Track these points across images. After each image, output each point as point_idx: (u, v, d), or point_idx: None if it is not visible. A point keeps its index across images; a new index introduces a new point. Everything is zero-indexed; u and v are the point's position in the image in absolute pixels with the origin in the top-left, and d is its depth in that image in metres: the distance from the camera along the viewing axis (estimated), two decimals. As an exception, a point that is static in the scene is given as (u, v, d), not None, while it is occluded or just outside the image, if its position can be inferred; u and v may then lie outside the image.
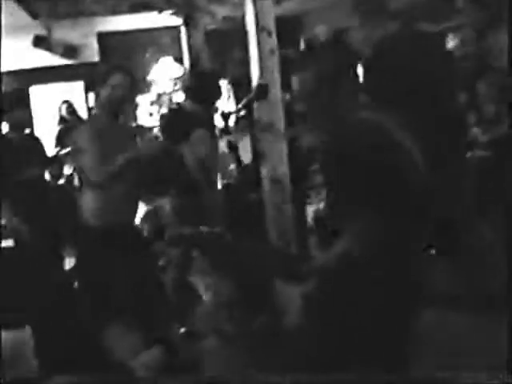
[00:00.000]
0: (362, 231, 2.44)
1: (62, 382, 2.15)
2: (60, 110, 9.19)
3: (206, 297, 5.65)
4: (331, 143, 2.64)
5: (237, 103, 11.65)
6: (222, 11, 8.83)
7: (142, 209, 6.89)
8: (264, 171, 4.72)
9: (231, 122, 11.33)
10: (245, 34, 5.90)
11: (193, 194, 6.06)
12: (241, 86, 11.42)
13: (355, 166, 2.46)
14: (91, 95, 10.89)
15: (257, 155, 4.89)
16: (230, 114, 11.51)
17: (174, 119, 6.33)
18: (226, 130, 10.70)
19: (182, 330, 5.92)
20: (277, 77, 4.71)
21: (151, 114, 10.57)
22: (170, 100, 10.61)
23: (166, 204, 6.91)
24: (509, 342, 2.61)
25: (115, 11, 7.37)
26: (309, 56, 2.82)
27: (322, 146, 2.75)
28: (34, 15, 6.92)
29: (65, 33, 9.29)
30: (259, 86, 3.93)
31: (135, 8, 7.28)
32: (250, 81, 6.52)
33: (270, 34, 4.78)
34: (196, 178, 5.95)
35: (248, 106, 3.59)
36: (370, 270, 2.47)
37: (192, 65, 7.23)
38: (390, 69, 4.13)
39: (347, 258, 2.49)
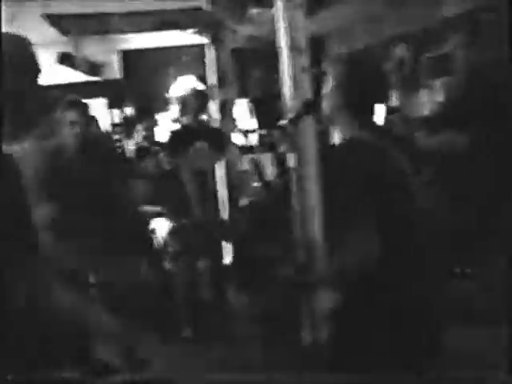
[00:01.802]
0: (357, 244, 2.48)
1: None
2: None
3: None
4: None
5: (258, 122, 11.72)
6: (245, 30, 8.90)
7: (165, 226, 6.92)
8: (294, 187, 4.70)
9: (253, 140, 11.40)
10: (269, 52, 5.92)
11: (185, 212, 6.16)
12: (262, 105, 11.50)
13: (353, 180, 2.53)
14: (115, 112, 11.02)
15: (287, 172, 4.89)
16: (251, 131, 11.58)
17: (175, 135, 6.51)
18: (247, 148, 10.75)
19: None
20: (308, 95, 4.70)
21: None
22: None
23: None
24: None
25: (142, 29, 7.42)
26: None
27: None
28: (64, 32, 6.98)
29: (89, 50, 9.37)
30: (306, 101, 3.93)
31: (162, 25, 7.32)
32: (273, 99, 6.51)
33: (301, 52, 4.79)
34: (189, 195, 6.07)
35: (293, 123, 3.60)
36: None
37: (220, 82, 7.26)
38: None
39: (344, 272, 2.54)
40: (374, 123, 2.84)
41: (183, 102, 6.29)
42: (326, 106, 2.85)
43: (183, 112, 6.30)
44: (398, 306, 2.57)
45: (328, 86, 2.81)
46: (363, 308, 2.62)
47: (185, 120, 6.39)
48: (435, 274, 2.74)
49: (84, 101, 4.71)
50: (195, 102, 6.24)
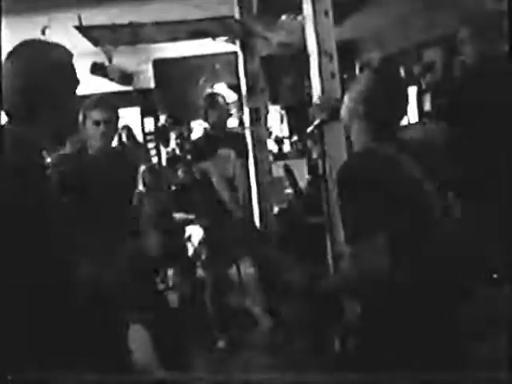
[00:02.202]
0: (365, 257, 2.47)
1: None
2: (120, 135, 9.35)
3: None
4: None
5: (290, 128, 11.73)
6: (276, 37, 8.91)
7: (198, 233, 6.94)
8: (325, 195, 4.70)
9: (286, 146, 11.41)
10: (299, 59, 5.94)
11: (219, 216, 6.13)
12: (294, 112, 11.51)
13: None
14: (147, 120, 11.12)
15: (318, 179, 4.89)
16: (283, 138, 11.60)
17: (201, 141, 6.50)
18: (280, 155, 10.75)
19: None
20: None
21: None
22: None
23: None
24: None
25: (173, 38, 7.47)
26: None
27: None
28: (95, 42, 7.04)
29: (122, 60, 9.45)
30: (333, 106, 3.92)
31: (193, 34, 7.36)
32: (303, 106, 6.52)
33: (331, 57, 4.80)
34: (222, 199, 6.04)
35: (319, 128, 3.57)
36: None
37: (248, 90, 7.28)
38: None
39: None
40: (392, 135, 2.80)
41: (205, 111, 6.26)
42: (344, 113, 2.84)
43: (209, 120, 6.28)
44: (420, 316, 2.55)
45: (350, 92, 2.80)
46: (385, 318, 2.60)
47: (209, 127, 6.39)
48: (458, 283, 2.72)
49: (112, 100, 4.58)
50: (217, 111, 6.20)
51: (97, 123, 4.13)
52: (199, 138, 6.88)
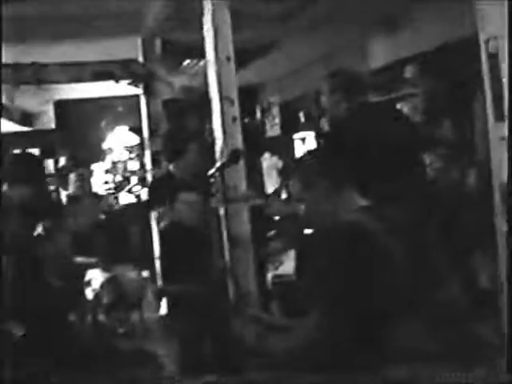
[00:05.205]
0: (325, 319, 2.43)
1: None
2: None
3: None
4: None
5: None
6: (179, 81, 9.00)
7: (99, 277, 6.87)
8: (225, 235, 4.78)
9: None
10: (201, 102, 6.02)
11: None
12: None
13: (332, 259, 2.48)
14: (47, 162, 10.91)
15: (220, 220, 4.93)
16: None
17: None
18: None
19: None
20: (239, 144, 4.83)
21: (106, 182, 10.63)
22: (125, 168, 10.70)
23: (126, 271, 6.93)
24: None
25: (76, 79, 7.46)
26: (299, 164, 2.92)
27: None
28: (-4, 82, 6.97)
29: (23, 100, 9.34)
30: (233, 151, 4.01)
31: (96, 76, 7.38)
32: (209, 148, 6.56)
33: (232, 102, 4.92)
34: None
35: (220, 171, 3.64)
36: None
37: (151, 133, 7.34)
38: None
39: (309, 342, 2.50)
40: None
41: None
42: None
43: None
44: None
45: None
46: None
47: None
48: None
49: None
50: None
51: None
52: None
